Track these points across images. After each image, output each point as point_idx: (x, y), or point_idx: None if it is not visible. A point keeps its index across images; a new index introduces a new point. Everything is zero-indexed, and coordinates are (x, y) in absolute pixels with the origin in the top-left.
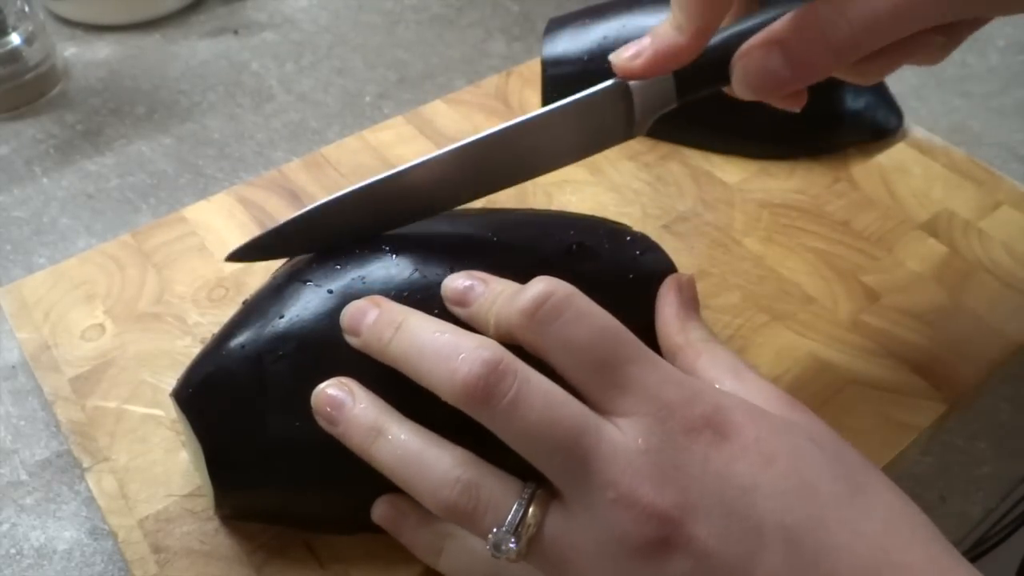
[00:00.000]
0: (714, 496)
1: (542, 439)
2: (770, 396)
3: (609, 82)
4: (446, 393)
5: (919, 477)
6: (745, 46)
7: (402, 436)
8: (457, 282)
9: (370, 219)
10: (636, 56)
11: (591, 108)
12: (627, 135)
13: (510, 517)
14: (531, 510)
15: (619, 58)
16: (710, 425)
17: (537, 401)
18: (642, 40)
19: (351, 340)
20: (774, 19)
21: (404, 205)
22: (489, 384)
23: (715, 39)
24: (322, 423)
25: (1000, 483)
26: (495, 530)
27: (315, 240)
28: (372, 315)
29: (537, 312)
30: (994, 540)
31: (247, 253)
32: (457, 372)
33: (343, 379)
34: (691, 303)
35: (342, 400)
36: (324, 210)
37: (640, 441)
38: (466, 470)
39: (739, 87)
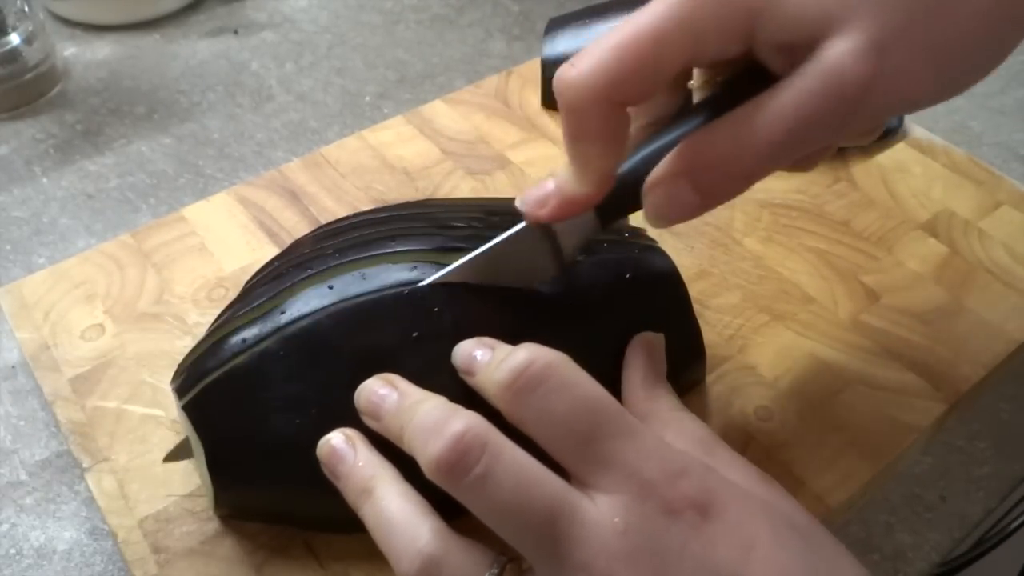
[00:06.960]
0: None
1: (513, 517)
2: (742, 471)
3: (524, 225)
4: (424, 468)
5: (919, 477)
6: (650, 180)
7: (384, 500)
8: (465, 350)
9: None
10: (542, 205)
11: (512, 253)
12: (559, 270)
13: None
14: None
15: (525, 205)
16: (692, 506)
17: (508, 478)
18: (546, 185)
19: (370, 423)
20: (676, 141)
21: None
22: (453, 457)
23: (625, 167)
24: (327, 473)
25: (1000, 483)
26: None
27: None
28: (391, 401)
29: (514, 384)
30: (994, 540)
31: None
32: (428, 445)
33: (348, 431)
34: (659, 367)
35: (343, 454)
36: None
37: (617, 520)
38: (431, 544)
39: (652, 221)
